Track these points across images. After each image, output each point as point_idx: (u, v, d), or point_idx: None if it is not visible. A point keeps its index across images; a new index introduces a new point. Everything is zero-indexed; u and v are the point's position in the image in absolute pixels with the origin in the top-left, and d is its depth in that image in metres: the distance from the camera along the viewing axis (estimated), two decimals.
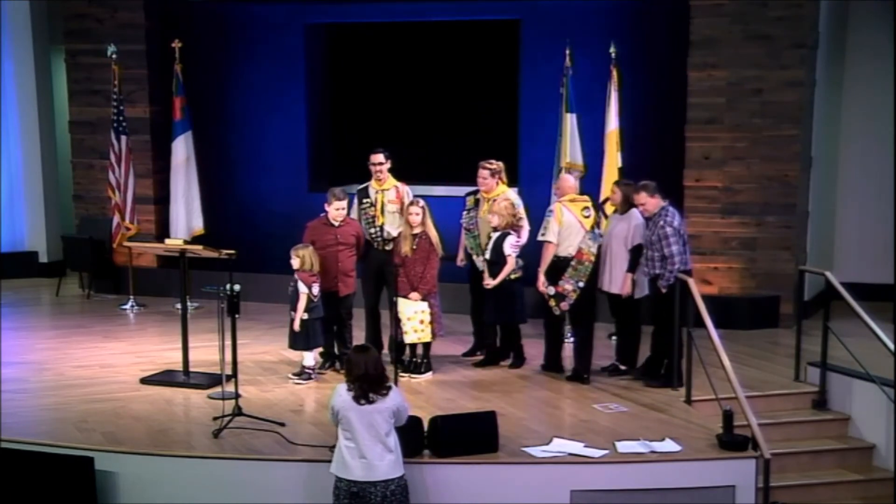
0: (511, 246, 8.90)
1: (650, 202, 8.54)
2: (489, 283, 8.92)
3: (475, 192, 9.40)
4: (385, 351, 8.99)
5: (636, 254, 8.75)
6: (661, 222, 8.45)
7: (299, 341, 8.74)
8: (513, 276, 8.94)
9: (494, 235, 8.95)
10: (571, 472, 6.85)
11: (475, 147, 10.80)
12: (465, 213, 9.43)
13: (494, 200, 9.14)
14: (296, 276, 8.65)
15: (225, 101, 12.60)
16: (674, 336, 8.46)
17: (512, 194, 9.29)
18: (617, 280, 8.85)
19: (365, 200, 9.30)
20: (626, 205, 8.86)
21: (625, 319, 9.03)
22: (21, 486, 7.03)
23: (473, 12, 11.78)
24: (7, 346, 9.76)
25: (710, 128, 10.71)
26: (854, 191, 11.78)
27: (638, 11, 11.24)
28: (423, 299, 8.79)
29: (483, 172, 9.22)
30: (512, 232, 8.95)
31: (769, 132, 10.57)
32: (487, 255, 8.98)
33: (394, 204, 9.20)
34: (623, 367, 9.02)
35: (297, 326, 8.66)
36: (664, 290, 8.46)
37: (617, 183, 9.17)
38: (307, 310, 8.63)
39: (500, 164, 9.34)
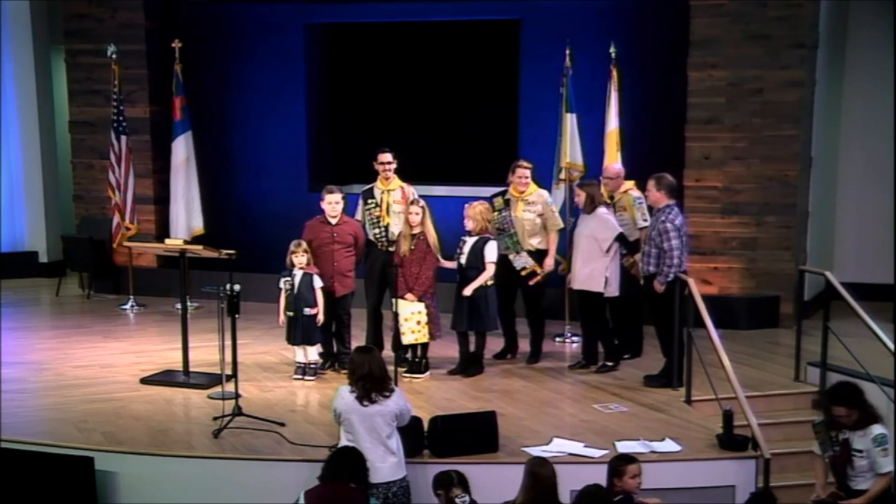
0: (494, 253, 8.84)
1: (653, 194, 8.60)
2: (466, 291, 8.79)
3: (502, 193, 9.37)
4: (387, 351, 8.98)
5: (623, 241, 8.85)
6: (664, 218, 8.48)
7: (307, 337, 8.76)
8: (489, 283, 8.89)
9: (470, 240, 8.87)
10: (571, 472, 6.84)
11: (475, 147, 10.83)
12: (495, 213, 9.29)
13: (529, 200, 9.22)
14: (297, 270, 8.67)
15: (225, 101, 12.60)
16: (673, 336, 8.47)
17: (545, 193, 9.35)
18: (596, 278, 8.88)
19: (370, 201, 9.29)
20: (592, 205, 8.96)
21: (588, 317, 9.07)
22: (21, 486, 7.03)
23: (473, 12, 11.77)
24: (7, 346, 9.76)
25: (710, 128, 10.71)
26: (854, 191, 11.78)
27: (638, 11, 11.24)
28: (419, 300, 8.78)
29: (524, 172, 9.25)
30: (491, 237, 8.91)
31: (769, 132, 10.57)
32: (463, 261, 8.88)
33: (399, 204, 9.17)
34: (584, 362, 9.10)
35: (321, 319, 8.70)
36: (662, 288, 8.46)
37: (580, 185, 9.21)
38: (309, 306, 8.67)
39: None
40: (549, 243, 9.28)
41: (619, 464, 6.32)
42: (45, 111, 13.19)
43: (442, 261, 8.92)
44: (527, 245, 9.22)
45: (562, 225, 9.40)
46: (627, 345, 9.54)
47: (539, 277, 9.26)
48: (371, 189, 9.37)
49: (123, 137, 11.61)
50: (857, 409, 6.52)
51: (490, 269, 8.82)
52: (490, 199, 9.33)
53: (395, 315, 8.65)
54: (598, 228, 8.91)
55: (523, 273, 9.18)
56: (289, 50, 12.34)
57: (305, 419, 7.89)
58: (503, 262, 9.14)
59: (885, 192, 11.36)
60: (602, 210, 9.01)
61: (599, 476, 6.49)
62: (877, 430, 6.49)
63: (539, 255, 9.26)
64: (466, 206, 9.03)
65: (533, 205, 9.23)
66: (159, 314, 11.25)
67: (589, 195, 8.96)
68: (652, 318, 8.81)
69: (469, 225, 8.88)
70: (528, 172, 9.26)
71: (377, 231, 9.25)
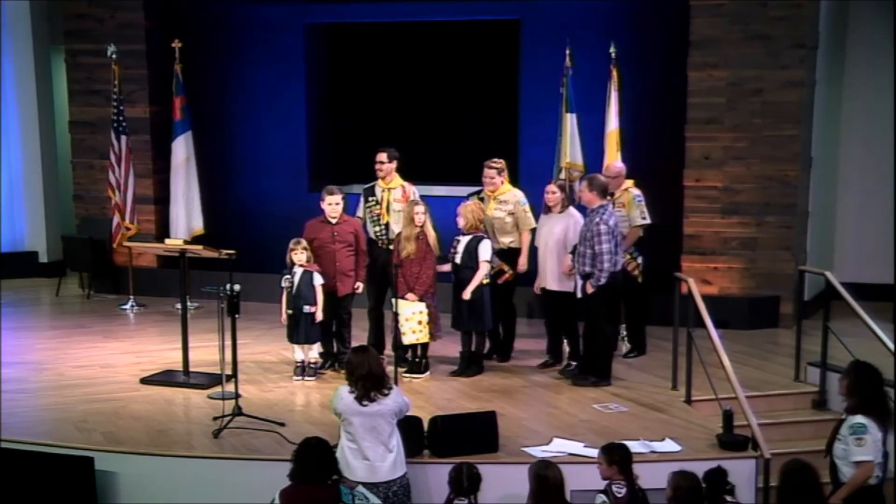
0: (488, 252, 8.83)
1: (585, 195, 8.64)
2: (465, 294, 8.78)
3: (478, 192, 9.40)
4: (388, 351, 8.99)
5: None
6: (598, 219, 8.50)
7: (307, 335, 8.76)
8: (485, 282, 8.87)
9: (464, 239, 8.87)
10: (571, 472, 6.83)
11: (475, 147, 10.81)
12: None
13: (501, 199, 9.18)
14: (297, 269, 8.68)
15: (225, 101, 12.60)
16: (605, 335, 8.61)
17: (519, 193, 9.29)
18: (567, 279, 8.91)
19: (371, 199, 9.31)
20: (565, 204, 9.01)
21: (561, 317, 9.07)
22: (21, 486, 7.03)
23: (473, 12, 11.78)
24: (7, 346, 9.76)
25: (710, 128, 10.71)
26: (854, 191, 11.79)
27: (638, 11, 11.24)
28: (420, 300, 8.77)
29: (490, 172, 9.22)
30: (485, 236, 8.91)
31: (769, 132, 10.57)
32: (458, 260, 8.89)
33: (399, 203, 9.19)
34: (573, 363, 9.07)
35: (319, 317, 8.71)
36: (592, 290, 8.47)
37: (555, 183, 9.23)
38: (309, 304, 8.67)
39: (503, 161, 9.35)
40: (522, 243, 9.22)
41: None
42: (45, 111, 13.18)
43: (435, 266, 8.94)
44: (498, 244, 9.17)
45: (534, 224, 9.31)
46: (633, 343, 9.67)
47: (507, 276, 9.21)
48: (372, 187, 9.39)
49: (123, 137, 11.61)
50: (856, 386, 6.33)
51: (484, 268, 8.81)
52: (466, 198, 9.36)
53: (395, 315, 8.65)
54: (573, 229, 8.92)
55: (492, 272, 9.16)
56: (289, 50, 12.35)
57: (305, 419, 7.89)
58: None
59: (885, 192, 11.36)
60: (573, 210, 9.01)
61: (600, 476, 6.48)
62: (858, 418, 6.29)
63: (511, 254, 9.21)
64: (461, 204, 9.05)
65: (504, 203, 9.19)
66: (159, 314, 11.25)
67: (564, 195, 9.03)
68: (586, 317, 8.79)
69: (460, 222, 8.89)
70: (493, 172, 9.20)
71: (377, 229, 9.26)
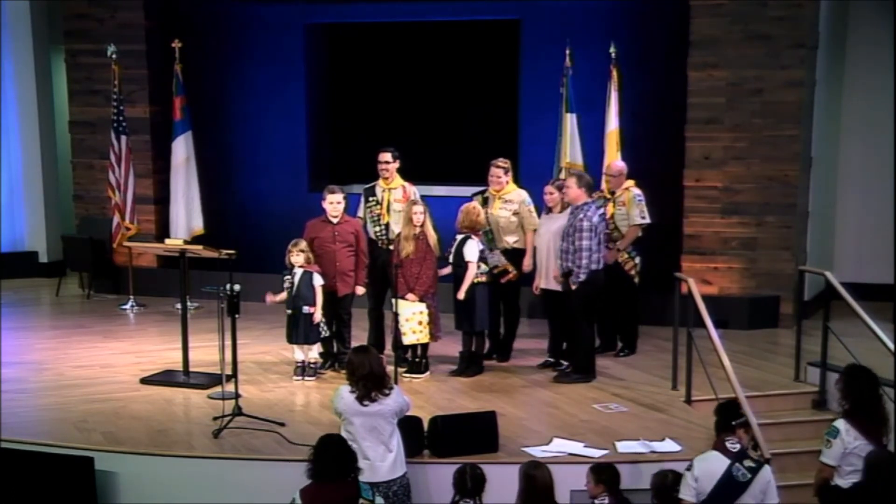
0: (473, 252, 8.81)
1: (572, 191, 8.67)
2: (459, 294, 8.80)
3: (483, 192, 9.40)
4: (388, 351, 8.99)
5: None
6: (581, 216, 8.53)
7: (307, 336, 8.75)
8: (477, 280, 8.86)
9: (458, 238, 8.89)
10: (571, 472, 6.85)
11: (475, 147, 10.84)
12: None
13: (506, 199, 9.20)
14: (297, 269, 8.69)
15: (225, 101, 12.60)
16: (581, 331, 8.62)
17: (524, 193, 9.29)
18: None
19: (371, 199, 9.32)
20: (564, 204, 9.01)
21: (563, 316, 9.04)
22: (21, 486, 7.03)
23: (473, 12, 11.78)
24: (7, 346, 9.76)
25: (710, 128, 10.71)
26: (854, 191, 11.79)
27: (638, 11, 11.24)
28: (420, 300, 8.78)
29: (497, 171, 9.22)
30: (473, 236, 8.90)
31: (769, 132, 10.57)
32: (451, 259, 8.91)
33: (400, 203, 9.19)
34: (564, 363, 9.07)
35: (318, 318, 8.70)
36: (574, 286, 8.52)
37: (554, 184, 9.22)
38: (308, 304, 8.67)
39: (509, 161, 9.37)
40: (527, 243, 9.22)
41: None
42: (45, 111, 13.18)
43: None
44: (503, 243, 9.21)
45: (538, 224, 9.37)
46: (624, 342, 9.68)
47: (511, 276, 9.22)
48: (373, 187, 9.39)
49: (123, 137, 11.61)
50: (849, 391, 6.33)
51: (471, 268, 8.79)
52: (470, 198, 9.36)
53: (395, 315, 8.65)
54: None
55: (495, 271, 9.16)
56: (289, 50, 12.35)
57: (305, 419, 7.89)
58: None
59: (885, 192, 11.36)
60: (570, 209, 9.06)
61: None
62: (837, 422, 6.31)
63: (515, 254, 9.23)
64: (503, 199, 9.13)
65: (510, 203, 9.21)
66: (159, 314, 11.25)
67: (563, 195, 9.02)
68: (570, 313, 8.80)
69: (459, 217, 8.90)
70: (500, 171, 9.21)
71: (378, 229, 9.26)
